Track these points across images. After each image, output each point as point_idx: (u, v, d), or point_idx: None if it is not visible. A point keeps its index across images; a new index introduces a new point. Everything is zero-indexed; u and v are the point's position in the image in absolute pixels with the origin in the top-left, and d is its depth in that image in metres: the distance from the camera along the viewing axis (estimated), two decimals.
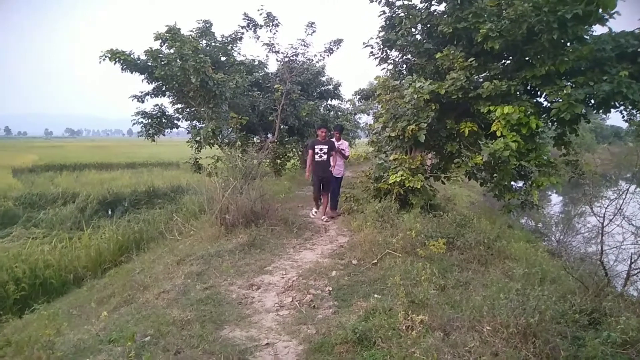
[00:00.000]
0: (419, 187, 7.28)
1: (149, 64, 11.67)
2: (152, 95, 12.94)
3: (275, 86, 14.12)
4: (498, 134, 6.67)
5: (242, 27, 13.76)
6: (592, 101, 6.79)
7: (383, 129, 8.36)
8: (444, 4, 7.83)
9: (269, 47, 14.30)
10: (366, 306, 4.03)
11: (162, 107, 13.39)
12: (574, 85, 6.66)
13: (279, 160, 15.99)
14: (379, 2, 8.37)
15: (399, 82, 8.34)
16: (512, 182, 8.03)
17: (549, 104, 7.21)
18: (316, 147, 8.37)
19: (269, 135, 15.44)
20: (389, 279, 4.45)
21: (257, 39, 14.03)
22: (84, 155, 36.28)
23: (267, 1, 13.31)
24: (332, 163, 8.34)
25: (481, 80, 7.46)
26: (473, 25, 7.00)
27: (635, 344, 3.04)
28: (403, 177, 7.26)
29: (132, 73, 11.86)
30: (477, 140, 7.89)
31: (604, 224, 4.25)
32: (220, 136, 12.38)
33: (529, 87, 7.55)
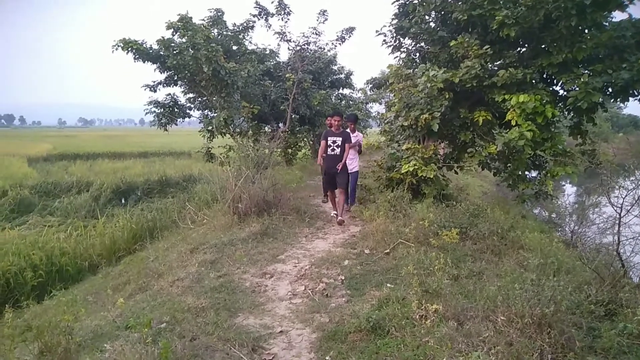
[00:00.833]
0: (431, 176, 7.24)
1: (161, 53, 11.70)
2: (165, 85, 12.98)
3: (287, 75, 14.08)
4: (513, 123, 6.59)
5: (254, 16, 13.71)
6: (610, 89, 6.66)
7: (396, 118, 8.30)
8: None
9: (281, 36, 14.23)
10: (379, 295, 4.03)
11: (174, 97, 13.44)
12: (591, 73, 6.52)
13: (290, 150, 16.00)
14: None
15: (412, 70, 8.25)
16: (527, 172, 7.95)
17: (565, 93, 7.08)
18: (329, 139, 7.44)
19: (281, 125, 15.43)
20: (402, 268, 4.44)
21: (269, 27, 13.98)
22: (97, 145, 36.69)
23: None
24: (345, 155, 7.38)
25: (496, 68, 7.35)
26: (488, 12, 6.88)
27: None
28: (416, 167, 7.22)
29: (144, 62, 11.90)
30: (491, 129, 7.81)
31: (621, 215, 4.18)
32: (232, 125, 12.42)
33: (545, 76, 7.43)
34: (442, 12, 7.92)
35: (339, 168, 7.27)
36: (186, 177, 18.08)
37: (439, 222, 5.90)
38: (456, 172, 8.76)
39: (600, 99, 6.42)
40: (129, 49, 11.38)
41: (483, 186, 16.14)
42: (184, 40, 11.35)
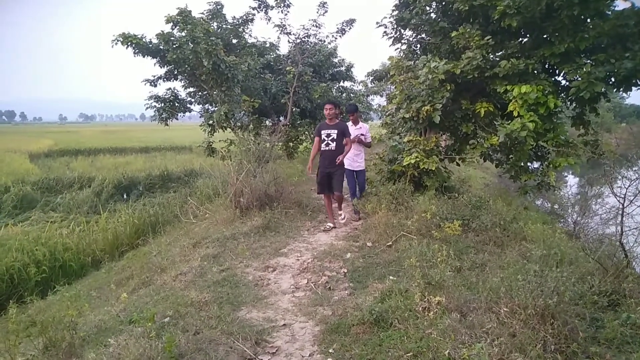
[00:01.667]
0: (433, 168, 7.21)
1: (161, 47, 11.65)
2: (165, 79, 12.95)
3: (287, 68, 14.02)
4: (515, 114, 6.55)
5: (253, 9, 13.62)
6: (613, 79, 6.58)
7: (397, 110, 8.25)
8: None
9: (281, 29, 14.16)
10: (382, 288, 4.04)
11: (175, 91, 13.41)
12: (594, 63, 6.46)
13: (291, 143, 15.98)
14: None
15: (413, 62, 8.19)
16: (529, 163, 7.92)
17: (567, 83, 7.02)
18: (322, 132, 6.65)
19: (281, 118, 15.39)
20: (404, 260, 4.45)
21: (269, 20, 13.90)
22: (98, 140, 36.71)
23: None
24: (345, 150, 6.62)
25: (498, 59, 7.28)
26: (490, 2, 6.79)
27: None
28: (417, 159, 7.18)
29: (144, 57, 11.86)
30: (493, 120, 7.77)
31: (624, 205, 4.17)
32: (233, 119, 12.38)
33: (547, 66, 7.36)
34: (443, 3, 7.85)
35: (338, 162, 6.45)
36: (188, 172, 18.08)
37: (441, 214, 5.89)
38: (458, 164, 8.73)
39: (603, 89, 6.36)
40: (129, 43, 11.33)
41: (485, 178, 16.11)
42: (183, 34, 11.30)
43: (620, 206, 4.18)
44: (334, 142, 6.57)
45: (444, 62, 6.99)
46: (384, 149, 9.27)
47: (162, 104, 12.90)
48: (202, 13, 12.85)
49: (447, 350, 2.80)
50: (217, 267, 5.07)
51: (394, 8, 8.39)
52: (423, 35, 8.44)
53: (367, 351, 3.08)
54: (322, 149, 6.63)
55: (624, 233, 4.16)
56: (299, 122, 15.55)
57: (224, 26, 13.24)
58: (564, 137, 7.02)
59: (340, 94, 17.26)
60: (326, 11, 14.18)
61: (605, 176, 4.83)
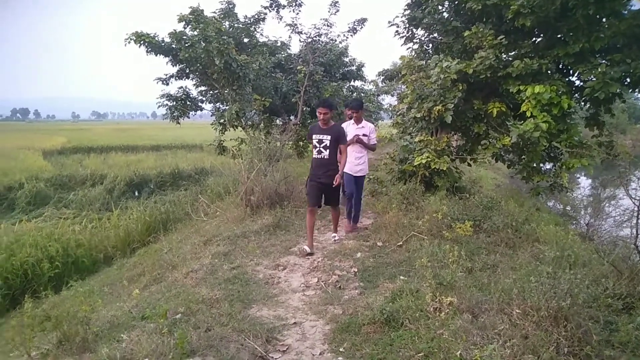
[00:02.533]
0: (444, 169, 7.17)
1: (173, 46, 11.74)
2: (177, 78, 13.05)
3: (298, 67, 14.03)
4: (528, 114, 6.49)
5: (265, 8, 13.67)
6: (629, 79, 6.51)
7: (408, 110, 8.22)
8: None
9: (292, 28, 14.17)
10: (393, 287, 4.02)
11: (187, 90, 13.50)
12: (609, 63, 6.38)
13: (301, 142, 15.99)
14: None
15: (424, 61, 8.16)
16: (541, 164, 7.84)
17: (582, 83, 6.95)
18: (314, 137, 5.61)
19: (292, 117, 15.41)
20: (415, 261, 4.43)
21: (280, 19, 13.92)
22: (110, 138, 37.05)
23: None
24: (341, 162, 5.56)
25: (511, 59, 7.23)
26: (503, 1, 6.75)
27: None
28: (428, 159, 7.15)
29: (156, 55, 11.96)
30: (505, 121, 7.70)
31: None
32: (244, 118, 12.43)
33: (560, 66, 7.30)
34: (456, 2, 7.80)
35: (336, 182, 5.38)
36: (198, 170, 18.19)
37: (452, 214, 5.86)
38: (469, 165, 8.68)
39: (618, 90, 6.28)
40: (142, 42, 11.44)
41: (496, 178, 15.99)
42: (195, 33, 11.37)
43: (636, 208, 4.12)
44: (327, 150, 5.52)
45: (456, 62, 6.95)
46: (394, 148, 9.24)
47: (174, 103, 13.01)
48: (214, 12, 12.93)
49: (459, 351, 2.79)
50: (228, 264, 5.09)
51: (406, 7, 8.37)
52: (435, 35, 8.41)
53: (377, 351, 3.08)
54: (314, 156, 5.68)
55: (639, 236, 4.11)
56: (309, 121, 15.51)
57: (235, 25, 13.31)
58: (577, 138, 6.94)
59: (350, 93, 17.23)
60: (338, 10, 14.17)
61: (620, 178, 4.77)
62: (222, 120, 12.35)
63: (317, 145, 5.56)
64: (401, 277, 4.40)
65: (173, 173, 18.24)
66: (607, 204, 10.21)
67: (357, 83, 18.05)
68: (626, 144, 7.87)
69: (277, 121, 15.63)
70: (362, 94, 17.62)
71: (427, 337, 3.06)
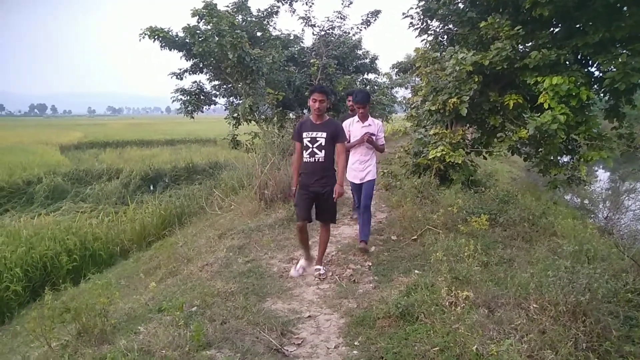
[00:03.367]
0: (459, 162, 7.10)
1: (187, 40, 11.78)
2: (191, 73, 13.11)
3: (312, 61, 13.98)
4: (545, 106, 6.38)
5: (278, 1, 13.63)
6: None
7: (423, 102, 8.14)
8: None
9: (305, 21, 14.11)
10: (407, 281, 4.00)
11: (200, 84, 13.56)
12: (630, 53, 6.23)
13: None
14: None
15: (439, 53, 8.06)
16: (559, 157, 7.72)
17: (601, 74, 6.81)
18: (305, 135, 4.38)
19: (305, 111, 15.39)
20: (430, 255, 4.39)
21: (293, 12, 13.87)
22: (126, 133, 37.48)
23: None
24: (339, 167, 4.39)
25: (528, 49, 7.10)
26: None
27: None
28: (443, 152, 7.08)
29: (170, 50, 12.03)
30: (522, 113, 7.59)
31: None
32: (257, 112, 12.44)
33: (579, 56, 7.15)
34: None
35: (337, 195, 4.35)
36: (212, 164, 18.32)
37: (467, 208, 5.81)
38: (485, 158, 8.58)
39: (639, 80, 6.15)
40: (156, 37, 11.50)
41: (512, 172, 15.79)
42: (209, 27, 11.39)
43: None
44: (322, 151, 4.32)
45: (472, 53, 6.86)
46: (408, 141, 9.17)
47: (188, 97, 13.08)
48: (228, 6, 12.93)
49: (475, 346, 2.76)
50: (243, 258, 5.12)
51: None
52: (450, 26, 8.30)
53: (393, 345, 3.06)
54: (304, 159, 4.40)
55: None
56: None
57: (248, 19, 13.30)
58: (596, 130, 6.83)
59: (364, 86, 17.13)
60: (351, 2, 14.06)
61: None
62: (235, 115, 12.38)
63: (309, 145, 4.34)
64: (416, 271, 4.38)
65: (187, 167, 18.39)
66: (626, 197, 10.01)
67: (371, 76, 17.92)
68: None
69: (291, 115, 15.62)
70: (376, 87, 17.49)
71: (443, 332, 3.04)
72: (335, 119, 4.91)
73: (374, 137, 5.23)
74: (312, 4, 13.70)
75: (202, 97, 13.45)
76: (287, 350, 3.12)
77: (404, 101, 19.04)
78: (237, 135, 13.06)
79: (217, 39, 11.14)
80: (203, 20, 11.55)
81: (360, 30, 15.22)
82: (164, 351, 2.74)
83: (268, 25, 13.72)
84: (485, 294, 3.38)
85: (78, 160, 21.63)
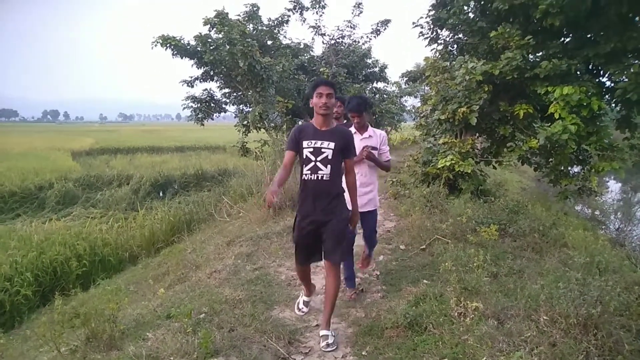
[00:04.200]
0: (469, 171, 7.08)
1: (198, 49, 11.89)
2: (201, 80, 13.22)
3: (321, 69, 14.05)
4: (556, 116, 6.34)
5: (289, 10, 13.75)
6: None
7: (432, 111, 8.14)
8: None
9: (315, 30, 14.22)
10: (416, 291, 3.98)
11: (211, 92, 13.67)
12: None
13: None
14: None
15: (449, 63, 8.07)
16: (569, 167, 7.65)
17: (613, 84, 6.76)
18: (305, 144, 3.26)
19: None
20: (439, 265, 4.38)
21: (303, 21, 13.98)
22: (136, 139, 37.83)
23: None
24: (349, 191, 3.43)
25: (538, 59, 7.08)
26: (531, 0, 6.62)
27: None
28: (453, 162, 7.06)
29: (182, 58, 12.14)
30: (532, 123, 7.55)
31: None
32: (267, 120, 12.50)
33: (590, 66, 7.11)
34: (482, 2, 7.69)
35: (353, 224, 3.47)
36: (221, 171, 18.38)
37: (476, 218, 5.77)
38: (494, 167, 8.54)
39: None
40: (168, 45, 11.62)
41: (522, 182, 15.67)
42: (220, 35, 11.50)
43: None
44: (328, 167, 3.20)
45: (482, 63, 6.86)
46: (417, 150, 9.16)
47: (199, 105, 13.18)
48: (239, 15, 13.05)
49: (484, 358, 2.74)
50: (251, 265, 5.13)
51: (430, 8, 8.29)
52: (460, 36, 8.31)
53: (401, 355, 3.05)
54: (303, 176, 3.27)
55: None
56: None
57: (259, 28, 13.41)
58: (607, 140, 6.75)
59: (373, 95, 17.16)
60: (361, 12, 14.17)
61: None
62: (245, 122, 12.45)
63: (311, 157, 3.21)
64: (424, 281, 4.35)
65: (197, 174, 18.49)
66: (638, 209, 9.88)
67: (380, 84, 17.97)
68: None
69: (300, 123, 15.69)
70: (385, 95, 17.53)
71: (452, 343, 3.02)
72: (342, 127, 3.57)
73: (375, 152, 4.04)
74: (323, 13, 13.83)
75: (212, 104, 13.55)
76: (295, 359, 3.12)
77: (413, 110, 19.03)
78: (246, 142, 13.13)
79: (228, 47, 11.23)
80: (215, 29, 11.66)
81: (370, 39, 15.33)
82: (172, 358, 2.76)
83: (278, 34, 13.84)
84: (495, 305, 3.35)
85: (89, 166, 21.86)
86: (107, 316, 3.18)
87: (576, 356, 2.63)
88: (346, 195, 3.45)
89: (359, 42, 15.34)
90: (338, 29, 14.52)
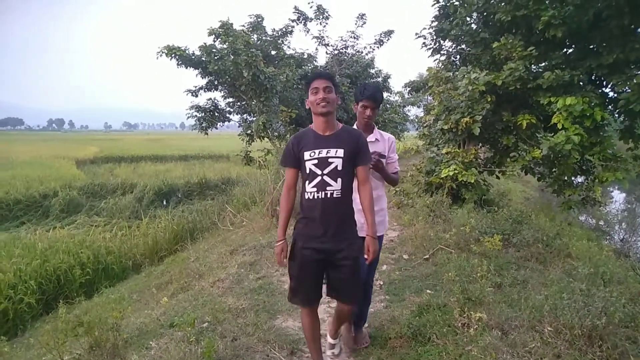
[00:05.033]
0: (472, 181, 7.08)
1: (203, 59, 11.97)
2: (205, 90, 13.28)
3: None
4: (559, 126, 6.35)
5: (293, 21, 13.85)
6: None
7: (435, 121, 8.17)
8: None
9: (319, 40, 14.31)
10: (419, 301, 3.97)
11: (215, 101, 13.74)
12: None
13: None
14: None
15: (452, 73, 8.11)
16: (573, 178, 7.64)
17: (616, 95, 6.78)
18: (306, 155, 2.61)
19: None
20: (442, 274, 4.37)
21: (307, 32, 14.08)
22: (140, 148, 37.98)
23: None
24: (365, 209, 2.67)
25: (541, 70, 7.12)
26: (533, 12, 6.67)
27: None
28: (456, 171, 7.07)
29: (186, 68, 12.22)
30: (535, 133, 7.57)
31: None
32: (271, 129, 12.54)
33: (593, 77, 7.14)
34: (485, 14, 7.75)
35: (369, 256, 2.69)
36: (225, 180, 18.43)
37: (480, 228, 5.75)
38: (498, 177, 8.54)
39: None
40: (172, 55, 11.72)
41: (525, 191, 15.63)
42: (224, 46, 11.58)
43: None
44: (339, 181, 2.60)
45: (485, 73, 6.89)
46: (421, 160, 9.17)
47: (203, 114, 13.24)
48: (243, 25, 13.15)
49: None
50: (254, 274, 5.13)
51: (433, 19, 8.36)
52: (463, 46, 8.36)
53: None
54: (307, 195, 2.67)
55: None
56: None
57: (263, 38, 13.50)
58: (611, 150, 6.76)
59: None
60: (365, 22, 14.25)
61: None
62: (249, 131, 12.48)
63: (317, 171, 2.60)
64: (428, 291, 4.34)
65: (200, 183, 18.53)
66: None
67: (383, 94, 17.99)
68: None
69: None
70: (388, 105, 17.56)
71: (456, 353, 3.01)
72: (355, 129, 2.86)
73: (384, 161, 3.14)
74: (326, 24, 13.91)
75: (216, 113, 13.59)
76: None
77: (417, 120, 19.06)
78: (250, 151, 13.17)
79: (232, 57, 11.31)
80: (219, 39, 11.75)
81: (373, 49, 15.38)
82: None
83: (282, 44, 13.91)
84: (499, 316, 3.34)
85: (93, 174, 21.95)
86: (111, 325, 3.18)
87: None
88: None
89: (362, 52, 15.42)
90: (342, 40, 14.60)
